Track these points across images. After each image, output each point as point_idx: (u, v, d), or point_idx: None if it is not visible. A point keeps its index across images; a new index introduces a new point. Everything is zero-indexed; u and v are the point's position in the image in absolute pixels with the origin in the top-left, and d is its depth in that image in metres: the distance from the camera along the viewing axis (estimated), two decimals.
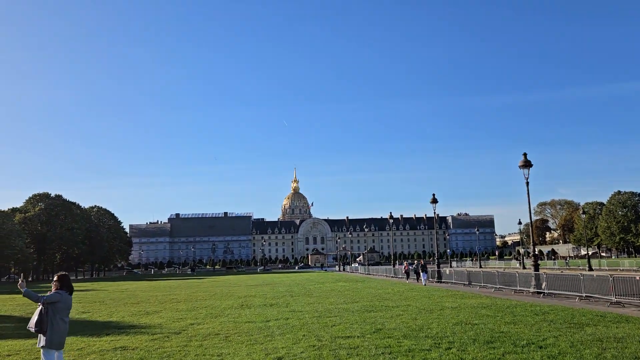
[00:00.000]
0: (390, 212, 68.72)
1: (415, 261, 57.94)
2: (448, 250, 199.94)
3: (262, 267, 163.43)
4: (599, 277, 22.54)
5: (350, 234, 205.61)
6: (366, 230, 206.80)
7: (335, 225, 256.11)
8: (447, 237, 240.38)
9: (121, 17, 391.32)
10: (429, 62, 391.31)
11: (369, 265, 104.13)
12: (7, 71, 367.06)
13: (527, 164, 28.86)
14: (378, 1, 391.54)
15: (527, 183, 29.32)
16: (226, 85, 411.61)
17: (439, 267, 44.84)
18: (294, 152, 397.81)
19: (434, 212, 45.88)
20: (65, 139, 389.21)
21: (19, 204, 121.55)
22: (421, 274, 41.74)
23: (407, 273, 49.10)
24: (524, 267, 71.91)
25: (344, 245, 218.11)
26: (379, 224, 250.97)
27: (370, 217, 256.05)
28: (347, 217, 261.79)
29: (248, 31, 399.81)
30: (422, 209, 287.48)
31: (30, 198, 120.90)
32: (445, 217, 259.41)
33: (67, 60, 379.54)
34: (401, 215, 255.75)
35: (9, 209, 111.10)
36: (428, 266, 46.66)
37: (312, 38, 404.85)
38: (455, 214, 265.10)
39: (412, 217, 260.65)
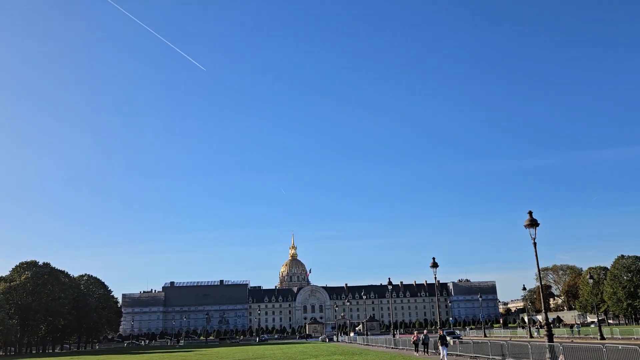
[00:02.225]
0: (389, 279, 65.67)
1: (425, 330, 53.09)
2: (450, 319, 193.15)
3: (259, 338, 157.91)
4: (625, 348, 19.78)
5: (349, 301, 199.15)
6: (365, 297, 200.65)
7: (334, 292, 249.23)
8: (449, 304, 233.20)
9: (109, 87, 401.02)
10: (426, 125, 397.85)
11: (368, 335, 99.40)
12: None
13: (533, 223, 26.78)
14: (376, 57, 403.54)
15: (535, 243, 27.04)
16: (221, 152, 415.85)
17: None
18: (292, 218, 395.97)
19: (435, 278, 43.11)
20: (58, 209, 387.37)
21: (4, 272, 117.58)
22: (440, 347, 35.58)
23: (416, 344, 43.97)
24: (531, 336, 68.06)
25: (342, 314, 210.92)
26: (379, 290, 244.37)
27: (370, 283, 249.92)
28: (346, 284, 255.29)
29: (247, 99, 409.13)
30: (422, 275, 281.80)
31: (16, 267, 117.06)
32: (446, 284, 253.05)
33: (56, 129, 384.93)
34: (401, 282, 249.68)
35: None
36: (431, 336, 42.96)
37: (309, 104, 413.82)
38: (456, 280, 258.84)
39: (412, 284, 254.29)
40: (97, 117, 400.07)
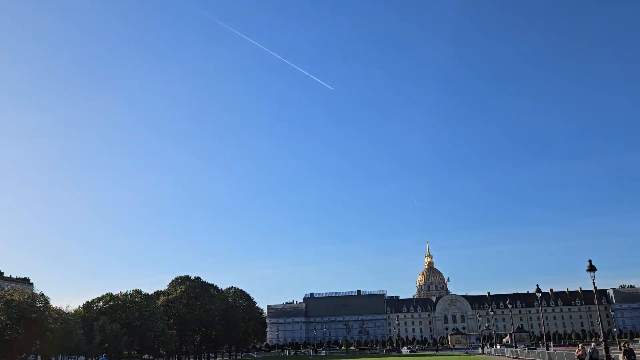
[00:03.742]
0: (537, 285, 59.96)
1: (593, 343, 46.44)
2: (614, 330, 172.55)
3: (405, 348, 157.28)
4: None
5: (492, 311, 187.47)
6: (510, 307, 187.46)
7: (475, 301, 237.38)
8: (611, 312, 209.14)
9: (258, 108, 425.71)
10: (582, 116, 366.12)
11: (517, 347, 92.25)
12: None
13: None
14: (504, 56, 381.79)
15: None
16: (356, 163, 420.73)
17: (607, 351, 36.14)
18: (426, 226, 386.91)
19: (593, 283, 37.93)
20: (204, 227, 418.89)
21: (163, 286, 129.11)
22: None
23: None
24: None
25: (487, 324, 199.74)
26: (525, 299, 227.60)
27: (515, 292, 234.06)
28: (488, 293, 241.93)
29: (373, 110, 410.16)
30: (575, 282, 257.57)
31: (172, 281, 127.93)
32: (605, 290, 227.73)
33: (215, 147, 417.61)
34: (551, 290, 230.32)
35: (153, 292, 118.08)
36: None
37: (434, 111, 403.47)
38: (617, 286, 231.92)
39: (565, 292, 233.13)
40: (245, 139, 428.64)
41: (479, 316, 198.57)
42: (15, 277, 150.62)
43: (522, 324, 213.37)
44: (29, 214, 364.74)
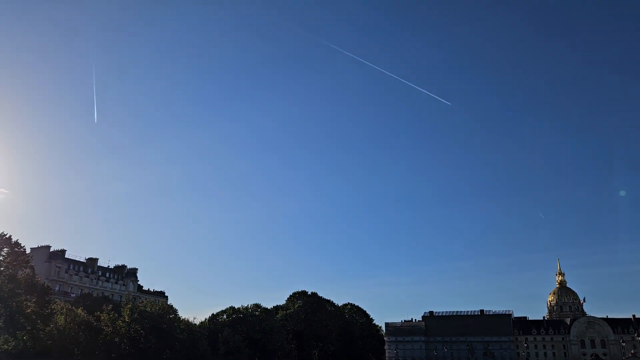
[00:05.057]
0: None
1: None
2: None
3: None
4: None
5: (639, 336, 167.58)
6: None
7: (618, 325, 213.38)
8: None
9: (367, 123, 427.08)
10: None
11: None
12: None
13: None
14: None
15: None
16: (479, 176, 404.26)
17: None
18: (555, 242, 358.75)
19: None
20: (319, 244, 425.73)
21: (281, 301, 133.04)
22: None
23: None
24: None
25: (632, 351, 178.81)
26: None
27: None
28: (634, 316, 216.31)
29: (487, 126, 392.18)
30: None
31: (290, 296, 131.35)
32: None
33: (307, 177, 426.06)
34: None
35: (272, 307, 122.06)
36: None
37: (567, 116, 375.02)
38: None
39: None
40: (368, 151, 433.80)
41: (623, 341, 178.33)
42: (152, 290, 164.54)
43: None
44: (164, 232, 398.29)
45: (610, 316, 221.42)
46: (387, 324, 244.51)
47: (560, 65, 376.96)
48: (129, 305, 75.57)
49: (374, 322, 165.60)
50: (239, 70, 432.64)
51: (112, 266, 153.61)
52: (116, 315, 75.77)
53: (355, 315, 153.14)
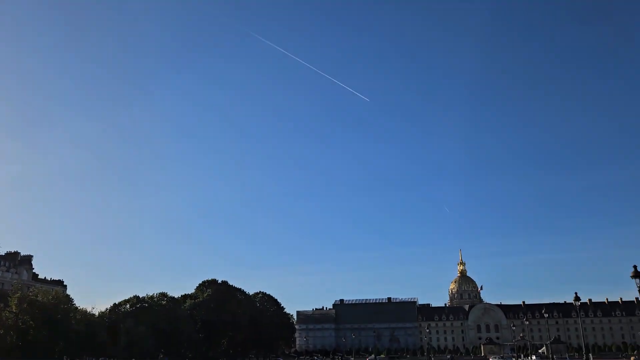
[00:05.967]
0: (576, 293, 56.53)
1: (633, 357, 43.25)
2: None
3: (449, 357, 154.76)
4: None
5: (527, 321, 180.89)
6: (547, 316, 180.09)
7: (510, 311, 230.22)
8: None
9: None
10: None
11: (554, 358, 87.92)
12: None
13: None
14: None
15: None
16: (387, 170, 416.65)
17: None
18: (458, 234, 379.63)
19: (638, 290, 34.68)
20: (231, 230, 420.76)
21: (189, 290, 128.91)
22: None
23: None
24: None
25: (521, 334, 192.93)
26: (562, 309, 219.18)
27: (550, 301, 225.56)
28: (523, 302, 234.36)
29: (406, 121, 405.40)
30: (614, 293, 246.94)
31: (199, 285, 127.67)
32: None
33: (235, 160, 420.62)
34: (589, 300, 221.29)
35: (180, 296, 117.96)
36: None
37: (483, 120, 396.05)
38: None
39: (604, 302, 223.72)
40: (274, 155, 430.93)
41: (514, 326, 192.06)
42: (49, 279, 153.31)
43: (558, 335, 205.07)
44: (65, 218, 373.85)
45: (503, 302, 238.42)
46: (298, 312, 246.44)
47: (473, 61, 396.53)
48: (17, 295, 69.16)
49: (285, 310, 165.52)
50: (154, 52, 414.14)
51: (2, 253, 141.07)
52: (1, 305, 68.99)
53: (266, 303, 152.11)
